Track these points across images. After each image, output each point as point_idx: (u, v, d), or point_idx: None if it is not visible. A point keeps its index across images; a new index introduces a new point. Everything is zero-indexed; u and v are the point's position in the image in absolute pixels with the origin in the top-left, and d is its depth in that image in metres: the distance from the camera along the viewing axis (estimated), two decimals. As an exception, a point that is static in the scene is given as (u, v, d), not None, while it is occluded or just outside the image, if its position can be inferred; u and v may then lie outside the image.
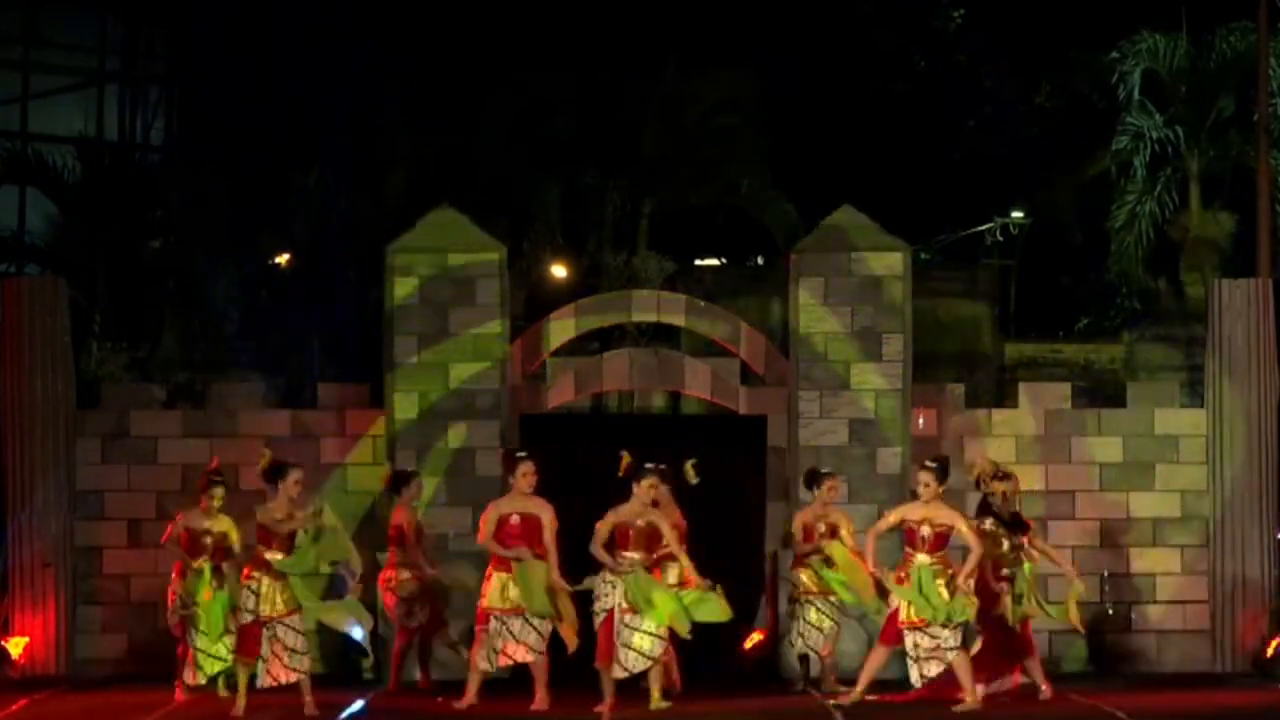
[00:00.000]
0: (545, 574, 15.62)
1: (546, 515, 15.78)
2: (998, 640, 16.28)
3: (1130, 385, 20.39)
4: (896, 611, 15.79)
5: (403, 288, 18.90)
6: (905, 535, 15.84)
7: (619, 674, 15.61)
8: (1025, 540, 16.46)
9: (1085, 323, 29.14)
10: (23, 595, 18.86)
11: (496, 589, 15.69)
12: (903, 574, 15.73)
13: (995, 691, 16.19)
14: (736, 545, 18.95)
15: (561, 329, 19.44)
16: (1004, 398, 21.54)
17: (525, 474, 15.85)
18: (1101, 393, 21.03)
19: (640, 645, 15.52)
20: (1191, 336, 24.60)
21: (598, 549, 15.75)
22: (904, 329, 18.97)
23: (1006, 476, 16.55)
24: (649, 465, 15.92)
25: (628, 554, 15.71)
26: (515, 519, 15.75)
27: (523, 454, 16.05)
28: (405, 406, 18.80)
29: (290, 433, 19.36)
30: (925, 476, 15.88)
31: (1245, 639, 18.91)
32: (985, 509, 16.49)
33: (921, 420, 19.24)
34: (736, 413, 19.30)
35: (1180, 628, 19.33)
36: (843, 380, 18.91)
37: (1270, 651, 18.33)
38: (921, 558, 15.66)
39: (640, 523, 15.75)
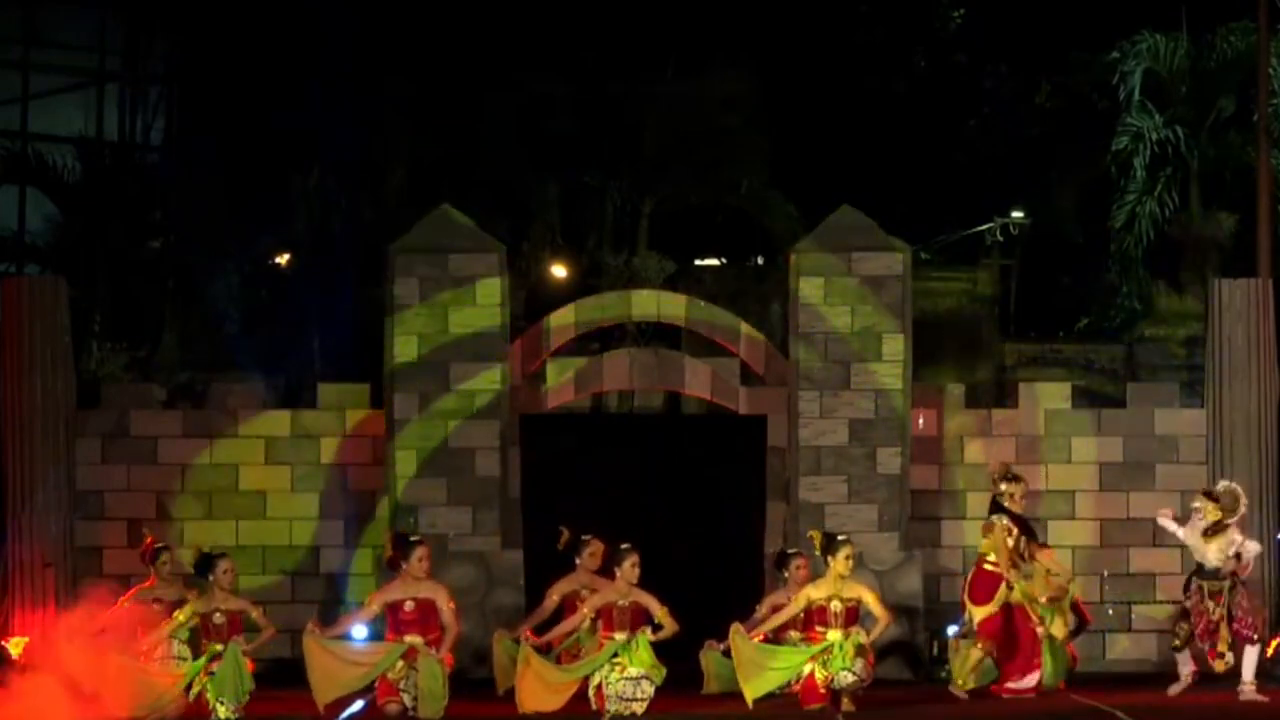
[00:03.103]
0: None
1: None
2: (1025, 639, 16.56)
3: (1130, 385, 20.38)
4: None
5: (403, 288, 18.88)
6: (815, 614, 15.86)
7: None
8: (1033, 546, 16.73)
9: (1085, 323, 29.06)
10: (23, 595, 18.84)
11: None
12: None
13: (1018, 689, 16.47)
14: (736, 545, 18.95)
15: (561, 329, 19.43)
16: (1004, 398, 21.52)
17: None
18: (1101, 393, 21.02)
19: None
20: (1191, 336, 24.62)
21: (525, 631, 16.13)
22: (904, 329, 18.94)
23: (1016, 479, 16.86)
24: (585, 537, 16.53)
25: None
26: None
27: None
28: (405, 406, 18.79)
29: (290, 433, 19.37)
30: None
31: (1245, 639, 18.87)
32: (996, 507, 16.76)
33: (921, 420, 19.24)
34: (736, 413, 19.28)
35: (1180, 628, 19.29)
36: (843, 380, 18.89)
37: (1270, 651, 18.28)
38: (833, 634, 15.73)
39: (586, 594, 16.15)
